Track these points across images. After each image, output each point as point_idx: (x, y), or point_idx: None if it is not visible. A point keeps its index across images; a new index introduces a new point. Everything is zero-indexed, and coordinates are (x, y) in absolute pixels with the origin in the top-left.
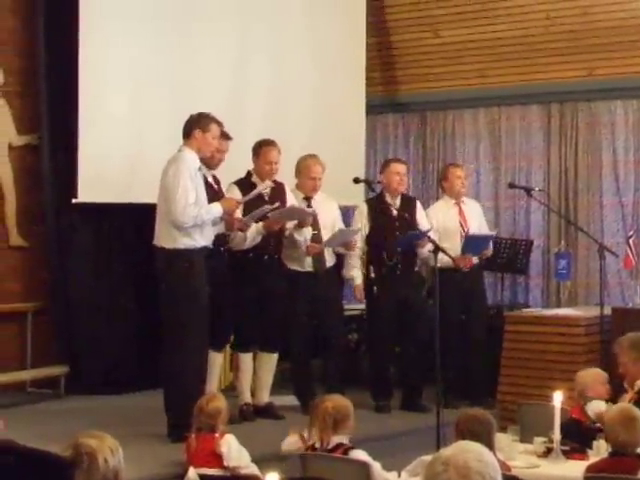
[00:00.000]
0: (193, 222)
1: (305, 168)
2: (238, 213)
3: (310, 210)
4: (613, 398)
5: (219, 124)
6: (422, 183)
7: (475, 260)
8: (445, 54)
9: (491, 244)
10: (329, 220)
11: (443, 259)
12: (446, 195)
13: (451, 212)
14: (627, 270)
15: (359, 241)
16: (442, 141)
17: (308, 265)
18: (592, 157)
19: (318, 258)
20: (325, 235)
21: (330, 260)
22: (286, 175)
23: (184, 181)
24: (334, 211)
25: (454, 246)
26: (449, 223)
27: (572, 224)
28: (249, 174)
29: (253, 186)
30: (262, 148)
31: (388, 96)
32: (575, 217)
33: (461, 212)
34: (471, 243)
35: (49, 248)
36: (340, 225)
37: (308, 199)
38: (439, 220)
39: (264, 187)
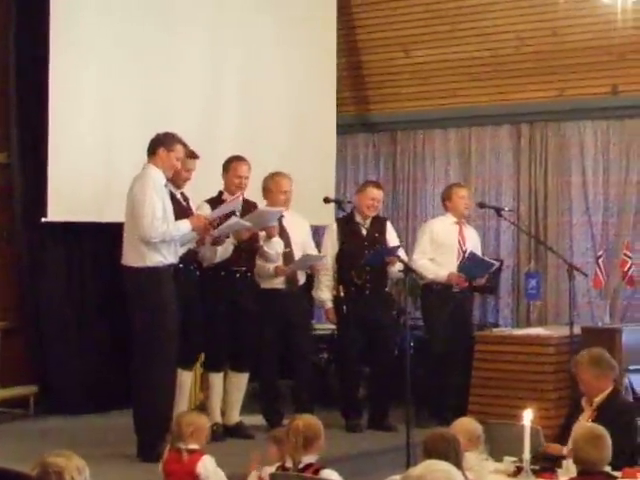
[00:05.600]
0: (161, 237)
1: (275, 183)
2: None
3: (276, 209)
4: (568, 421)
5: (184, 145)
6: (392, 202)
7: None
8: (416, 74)
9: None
10: (299, 238)
11: (439, 274)
12: (449, 213)
13: (451, 228)
14: (596, 290)
15: (330, 261)
16: (412, 161)
17: (279, 282)
18: (561, 177)
19: (291, 277)
20: (295, 252)
21: (301, 279)
22: (257, 195)
23: (150, 196)
24: (304, 229)
25: (448, 262)
26: (448, 238)
27: (542, 244)
28: (221, 193)
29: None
30: (232, 163)
31: (359, 116)
32: (545, 237)
33: (461, 232)
34: (472, 262)
35: (19, 267)
36: (310, 244)
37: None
38: (438, 232)
39: (232, 200)
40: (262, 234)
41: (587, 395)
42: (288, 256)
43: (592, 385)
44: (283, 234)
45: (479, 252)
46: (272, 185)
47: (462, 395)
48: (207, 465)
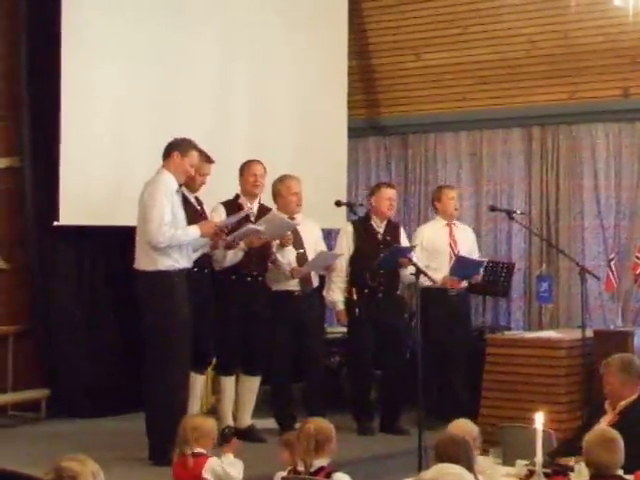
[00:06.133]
0: (169, 242)
1: (285, 186)
2: None
3: (292, 222)
4: (588, 421)
5: (200, 151)
6: (404, 206)
7: (464, 284)
8: (427, 77)
9: (481, 271)
10: (311, 240)
11: (433, 278)
12: (438, 216)
13: (441, 232)
14: (608, 293)
15: (343, 263)
16: (424, 164)
17: (293, 284)
18: (573, 180)
19: (305, 278)
20: (309, 254)
21: (315, 281)
22: (269, 200)
23: (160, 201)
24: (316, 232)
25: (442, 266)
26: (438, 243)
27: (553, 247)
28: (237, 196)
29: (240, 207)
30: (246, 164)
31: (370, 119)
32: (556, 240)
33: (452, 234)
34: (461, 265)
35: (31, 271)
36: (322, 245)
37: (292, 220)
38: (428, 238)
39: (244, 212)
40: (275, 242)
41: (610, 399)
42: (302, 257)
43: (617, 390)
44: (296, 236)
45: (475, 251)
46: (282, 188)
47: (469, 397)
48: (214, 468)
